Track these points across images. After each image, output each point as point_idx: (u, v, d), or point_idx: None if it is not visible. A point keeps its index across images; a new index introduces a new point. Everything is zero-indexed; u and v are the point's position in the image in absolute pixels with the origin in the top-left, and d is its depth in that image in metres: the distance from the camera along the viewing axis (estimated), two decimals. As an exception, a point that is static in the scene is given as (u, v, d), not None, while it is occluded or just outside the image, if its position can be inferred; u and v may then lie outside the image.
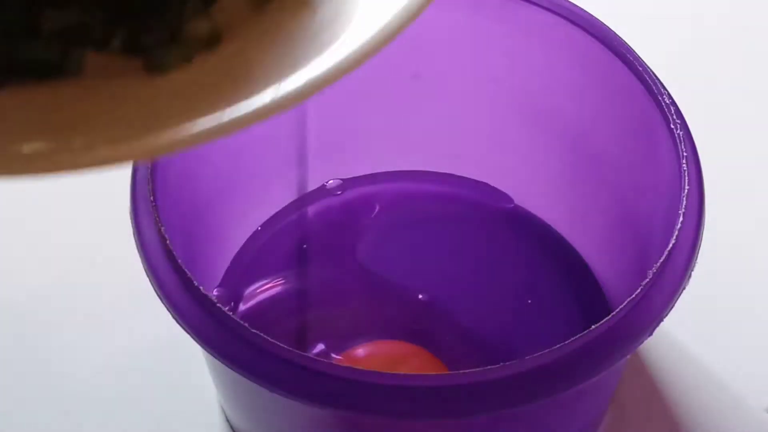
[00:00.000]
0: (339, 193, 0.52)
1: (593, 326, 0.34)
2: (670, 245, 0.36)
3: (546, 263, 0.51)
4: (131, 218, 0.38)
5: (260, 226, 0.51)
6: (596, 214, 0.49)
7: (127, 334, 0.51)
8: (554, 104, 0.48)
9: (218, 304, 0.34)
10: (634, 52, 0.42)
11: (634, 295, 0.35)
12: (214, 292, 0.49)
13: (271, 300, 0.49)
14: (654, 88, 0.40)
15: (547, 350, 0.33)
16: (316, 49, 0.27)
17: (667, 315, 0.35)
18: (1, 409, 0.49)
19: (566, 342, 0.34)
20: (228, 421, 0.49)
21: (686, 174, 0.38)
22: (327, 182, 0.52)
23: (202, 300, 0.35)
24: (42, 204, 0.57)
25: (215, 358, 0.34)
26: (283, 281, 0.50)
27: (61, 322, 0.52)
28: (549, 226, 0.52)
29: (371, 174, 0.52)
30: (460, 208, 0.53)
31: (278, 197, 0.52)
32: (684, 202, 0.37)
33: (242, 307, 0.49)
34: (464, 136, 0.51)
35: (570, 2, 0.44)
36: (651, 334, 0.35)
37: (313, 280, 0.50)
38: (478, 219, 0.53)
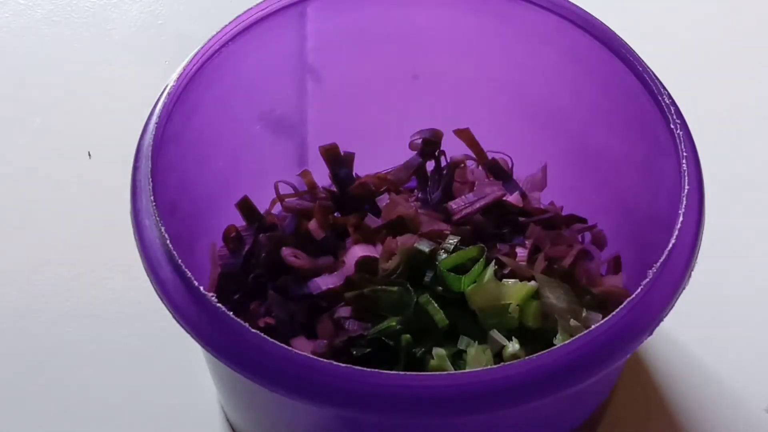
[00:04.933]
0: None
1: (593, 326, 0.34)
2: (670, 245, 0.36)
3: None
4: (131, 218, 0.38)
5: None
6: (597, 214, 0.49)
7: (127, 334, 0.51)
8: (554, 104, 0.48)
9: (218, 304, 0.34)
10: (634, 52, 0.42)
11: (634, 295, 0.35)
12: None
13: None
14: (654, 88, 0.40)
15: (547, 350, 0.33)
16: None
17: (667, 315, 0.35)
18: (1, 409, 0.49)
19: (566, 342, 0.34)
20: (228, 421, 0.49)
21: (686, 174, 0.38)
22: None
23: (202, 300, 0.35)
24: (43, 204, 0.57)
25: (215, 357, 0.35)
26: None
27: (60, 322, 0.52)
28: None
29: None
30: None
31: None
32: (684, 202, 0.37)
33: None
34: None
35: (570, 2, 0.44)
36: (651, 334, 0.35)
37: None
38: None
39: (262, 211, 0.49)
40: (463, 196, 0.48)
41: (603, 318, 0.35)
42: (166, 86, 0.41)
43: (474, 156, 0.50)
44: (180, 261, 0.35)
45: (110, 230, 0.53)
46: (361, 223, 0.47)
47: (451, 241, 0.44)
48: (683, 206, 0.37)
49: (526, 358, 0.33)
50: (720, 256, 0.50)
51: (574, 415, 0.43)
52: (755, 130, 0.60)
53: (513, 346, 0.41)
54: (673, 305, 0.36)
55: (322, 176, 0.50)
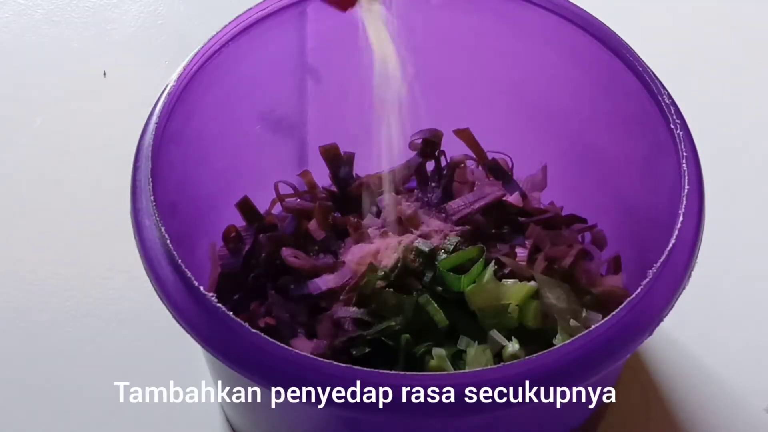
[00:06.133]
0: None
1: (593, 326, 0.34)
2: (670, 245, 0.36)
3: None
4: (131, 218, 0.38)
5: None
6: (597, 214, 0.49)
7: (127, 334, 0.51)
8: (554, 104, 0.48)
9: (218, 304, 0.34)
10: (634, 52, 0.42)
11: (634, 295, 0.35)
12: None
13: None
14: (654, 88, 0.40)
15: (547, 350, 0.33)
16: None
17: (667, 315, 0.35)
18: (1, 409, 0.49)
19: (566, 342, 0.34)
20: (228, 421, 0.49)
21: (686, 174, 0.38)
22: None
23: (202, 300, 0.35)
24: (43, 204, 0.57)
25: (215, 357, 0.35)
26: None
27: (60, 322, 0.52)
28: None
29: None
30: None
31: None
32: (684, 202, 0.37)
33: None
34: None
35: (570, 2, 0.44)
36: (651, 334, 0.35)
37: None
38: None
39: (262, 211, 0.49)
40: (463, 196, 0.48)
41: (603, 318, 0.35)
42: (166, 86, 0.41)
43: (474, 156, 0.50)
44: (180, 261, 0.35)
45: (110, 230, 0.53)
46: (361, 223, 0.47)
47: (451, 241, 0.44)
48: (683, 206, 0.37)
49: (526, 358, 0.33)
50: (720, 256, 0.50)
51: (574, 415, 0.43)
52: (755, 130, 0.60)
53: (513, 346, 0.41)
54: (673, 305, 0.35)
55: (322, 176, 0.50)
